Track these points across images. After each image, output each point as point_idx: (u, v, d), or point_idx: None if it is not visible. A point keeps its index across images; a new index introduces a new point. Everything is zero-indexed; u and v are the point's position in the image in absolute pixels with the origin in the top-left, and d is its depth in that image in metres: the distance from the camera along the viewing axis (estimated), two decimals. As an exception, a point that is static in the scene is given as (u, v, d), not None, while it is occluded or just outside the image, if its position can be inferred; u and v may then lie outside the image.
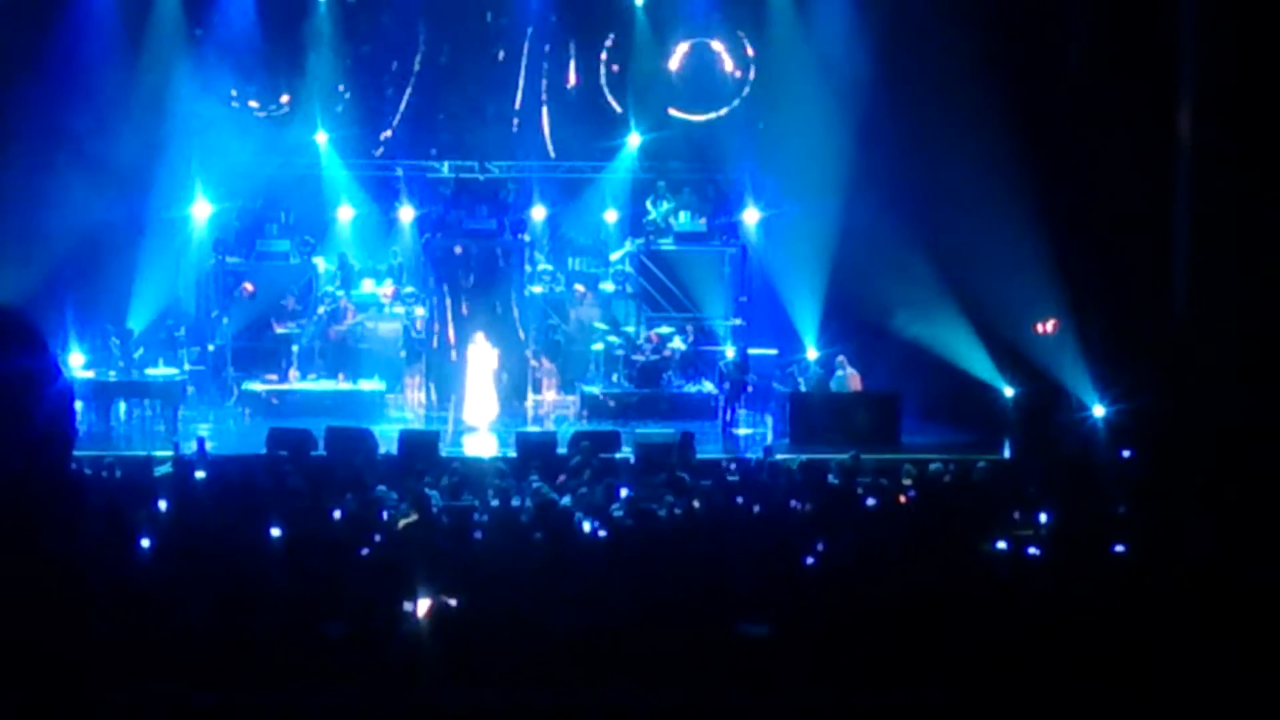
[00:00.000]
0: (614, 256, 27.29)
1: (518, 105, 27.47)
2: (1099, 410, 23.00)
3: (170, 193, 25.88)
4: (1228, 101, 22.24)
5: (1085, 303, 23.77)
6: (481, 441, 22.94)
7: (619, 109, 27.49)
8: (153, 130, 25.05)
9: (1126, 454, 20.62)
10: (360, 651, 10.38)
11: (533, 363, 25.84)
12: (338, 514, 14.70)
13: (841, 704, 10.00)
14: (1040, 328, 24.59)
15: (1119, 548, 13.44)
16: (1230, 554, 12.74)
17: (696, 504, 15.65)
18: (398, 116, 27.33)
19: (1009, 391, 24.06)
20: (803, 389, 24.20)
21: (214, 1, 26.28)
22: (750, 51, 27.22)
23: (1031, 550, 13.58)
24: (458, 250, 25.87)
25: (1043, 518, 15.24)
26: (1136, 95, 23.30)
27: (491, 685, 10.06)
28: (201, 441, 20.32)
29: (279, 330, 25.65)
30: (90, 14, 25.26)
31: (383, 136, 27.40)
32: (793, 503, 15.93)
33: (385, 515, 14.69)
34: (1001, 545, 13.64)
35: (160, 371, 24.25)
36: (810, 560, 12.67)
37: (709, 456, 20.58)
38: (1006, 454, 22.38)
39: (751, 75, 27.18)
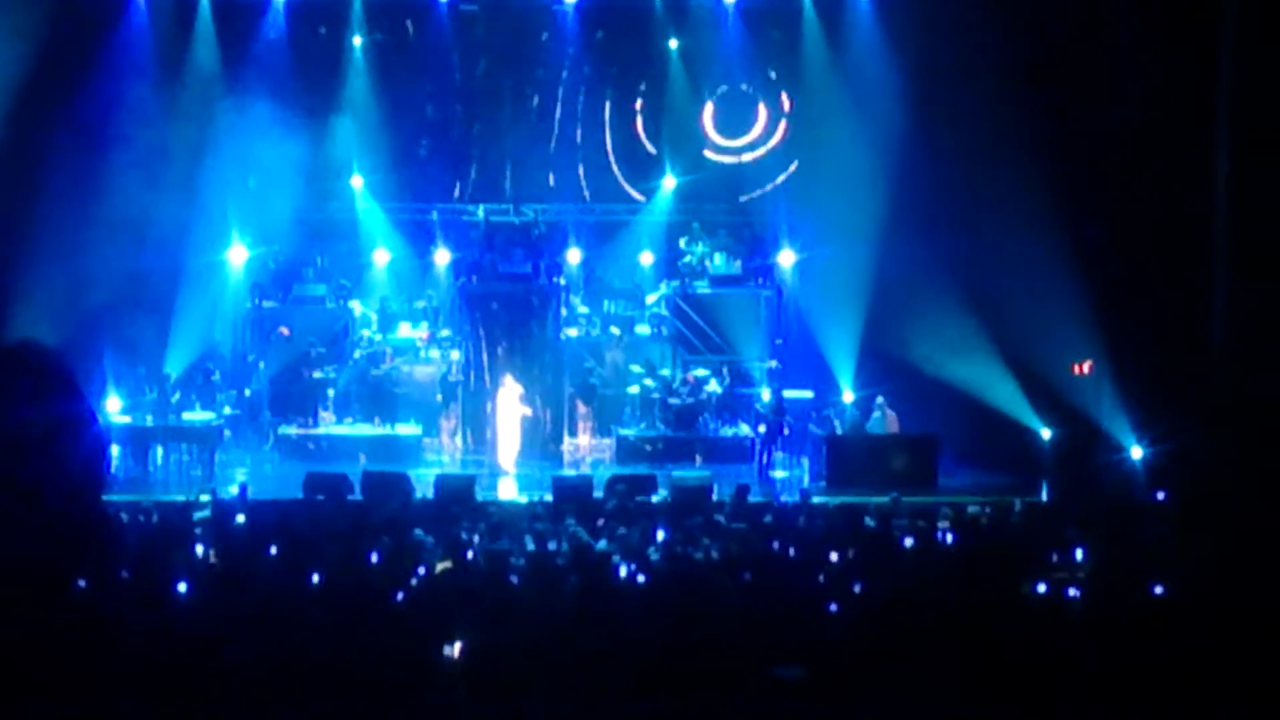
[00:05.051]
0: (650, 299, 27.28)
1: (553, 148, 27.57)
2: (1137, 451, 22.84)
3: (207, 239, 25.98)
4: (1265, 136, 22.13)
5: (1121, 343, 23.64)
6: (516, 485, 22.90)
7: (653, 151, 27.57)
8: (190, 178, 25.20)
9: (1160, 496, 20.48)
10: (397, 695, 10.36)
11: (577, 407, 25.81)
12: (374, 558, 14.69)
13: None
14: (1076, 369, 24.46)
15: (1158, 589, 13.34)
16: (1269, 592, 12.65)
17: (733, 548, 15.57)
18: (432, 160, 27.45)
19: (1046, 433, 23.92)
20: (839, 431, 24.10)
21: (251, 52, 26.47)
22: (784, 94, 27.26)
23: (1071, 592, 13.49)
24: (493, 296, 25.81)
25: (1079, 557, 15.15)
26: (1172, 133, 23.20)
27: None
28: (244, 486, 20.28)
29: (314, 375, 25.69)
30: (128, 65, 25.47)
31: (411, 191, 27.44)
32: (830, 551, 15.83)
33: (422, 560, 14.65)
34: (1041, 588, 13.55)
35: (197, 416, 24.31)
36: (846, 604, 12.60)
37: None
38: (1044, 496, 22.25)
39: (786, 119, 27.22)
